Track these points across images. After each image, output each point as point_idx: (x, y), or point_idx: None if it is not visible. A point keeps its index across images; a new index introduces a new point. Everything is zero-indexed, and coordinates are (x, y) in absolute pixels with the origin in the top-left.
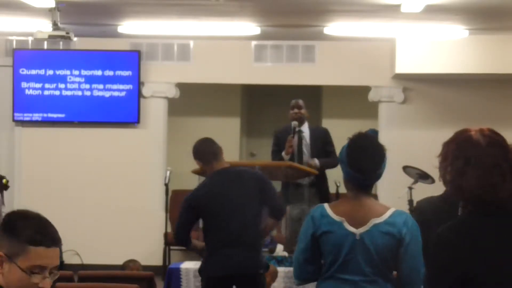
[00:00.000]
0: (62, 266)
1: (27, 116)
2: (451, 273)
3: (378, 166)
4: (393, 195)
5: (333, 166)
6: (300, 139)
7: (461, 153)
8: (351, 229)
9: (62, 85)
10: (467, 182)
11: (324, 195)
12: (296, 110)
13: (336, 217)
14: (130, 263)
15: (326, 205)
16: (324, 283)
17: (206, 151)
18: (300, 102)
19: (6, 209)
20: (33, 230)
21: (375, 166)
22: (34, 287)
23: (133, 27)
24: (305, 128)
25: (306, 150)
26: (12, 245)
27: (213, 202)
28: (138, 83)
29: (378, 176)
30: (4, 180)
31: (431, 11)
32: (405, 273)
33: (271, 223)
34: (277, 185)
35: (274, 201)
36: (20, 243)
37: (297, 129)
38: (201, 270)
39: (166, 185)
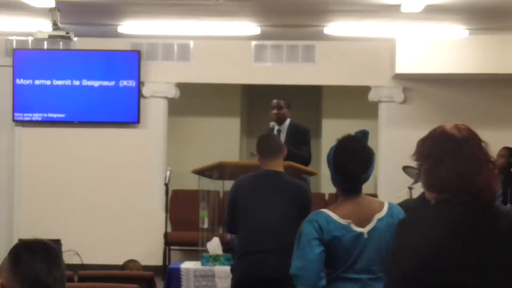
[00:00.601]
0: None
1: (27, 116)
2: (406, 262)
3: (364, 170)
4: (393, 195)
5: (299, 159)
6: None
7: (438, 145)
8: (359, 229)
9: (62, 85)
10: (445, 171)
11: None
12: (275, 111)
13: (342, 221)
14: (130, 263)
15: (327, 211)
16: (330, 284)
17: (267, 144)
18: (281, 102)
19: None
20: (32, 277)
21: (362, 170)
22: None
23: (133, 27)
24: (285, 127)
25: None
26: (11, 280)
27: (248, 197)
28: (138, 83)
29: (364, 179)
30: None
31: (431, 11)
32: None
33: None
34: None
35: None
36: (16, 283)
37: (276, 128)
38: (232, 270)
39: (166, 185)
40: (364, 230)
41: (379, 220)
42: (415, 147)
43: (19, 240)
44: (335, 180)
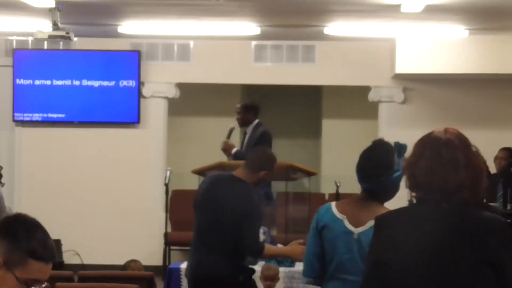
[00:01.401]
0: (62, 266)
1: (27, 116)
2: (372, 257)
3: (379, 175)
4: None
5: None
6: (243, 141)
7: (420, 146)
8: (350, 227)
9: (62, 85)
10: (419, 169)
11: None
12: (236, 116)
13: (338, 214)
14: (132, 263)
15: (332, 203)
16: (324, 283)
17: (251, 155)
18: (238, 105)
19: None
20: (37, 243)
21: (377, 174)
22: None
23: (133, 27)
24: (249, 130)
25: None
26: (12, 254)
27: (204, 196)
28: (138, 83)
29: (382, 184)
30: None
31: (431, 11)
32: None
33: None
34: (280, 186)
35: (248, 236)
36: (21, 254)
37: (233, 130)
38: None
39: (166, 185)
40: (356, 230)
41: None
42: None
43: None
44: (358, 180)
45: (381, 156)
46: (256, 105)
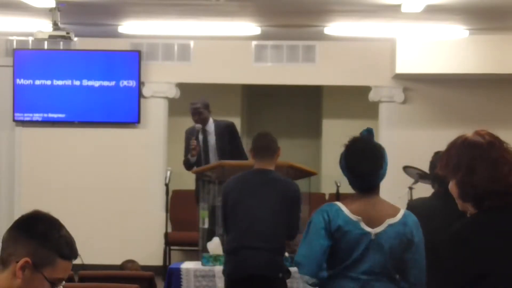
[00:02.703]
0: None
1: (27, 116)
2: (466, 272)
3: (379, 167)
4: (393, 195)
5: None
6: (206, 139)
7: (464, 154)
8: (367, 229)
9: (62, 85)
10: (478, 177)
11: None
12: (196, 118)
13: (352, 216)
14: (129, 264)
15: (340, 204)
16: (332, 280)
17: (258, 144)
18: (199, 107)
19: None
20: (65, 243)
21: (375, 167)
22: None
23: (134, 27)
24: (210, 127)
25: (211, 150)
26: (41, 254)
27: (237, 196)
28: (138, 83)
29: (381, 175)
30: None
31: (431, 11)
32: (414, 273)
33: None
34: None
35: (295, 220)
36: (51, 254)
37: (200, 129)
38: (223, 270)
39: (166, 185)
40: (373, 231)
41: (390, 225)
42: (440, 160)
43: (17, 221)
44: (352, 184)
45: (374, 151)
46: (208, 101)
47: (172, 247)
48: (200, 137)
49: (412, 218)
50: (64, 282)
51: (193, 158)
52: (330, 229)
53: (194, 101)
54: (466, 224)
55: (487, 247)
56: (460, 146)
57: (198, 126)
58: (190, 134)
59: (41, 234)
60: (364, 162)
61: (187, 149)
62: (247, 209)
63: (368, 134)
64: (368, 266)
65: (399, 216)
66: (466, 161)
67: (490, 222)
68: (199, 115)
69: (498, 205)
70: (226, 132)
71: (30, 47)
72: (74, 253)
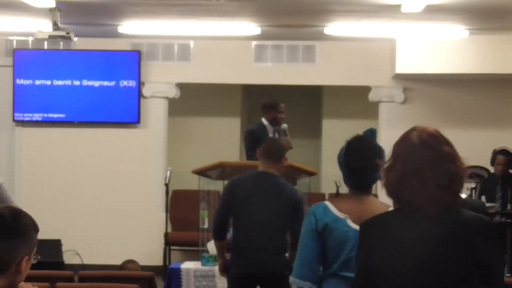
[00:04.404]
0: (62, 266)
1: (27, 116)
2: (362, 265)
3: (374, 169)
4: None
5: None
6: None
7: (394, 150)
8: (354, 226)
9: (62, 85)
10: (389, 180)
11: None
12: (281, 115)
13: (339, 214)
14: (129, 264)
15: (327, 202)
16: (326, 281)
17: (268, 148)
18: (282, 105)
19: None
20: (33, 225)
21: (371, 169)
22: None
23: (133, 27)
24: (282, 130)
25: None
26: (30, 245)
27: (243, 196)
28: (138, 83)
29: (376, 177)
30: None
31: (431, 11)
32: None
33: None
34: None
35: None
36: (33, 243)
37: (272, 130)
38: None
39: (166, 185)
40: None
41: None
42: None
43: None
44: (347, 180)
45: (374, 151)
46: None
47: (172, 247)
48: (272, 136)
49: None
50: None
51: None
52: (317, 230)
53: (274, 99)
54: (371, 220)
55: (377, 244)
56: (398, 140)
57: (284, 125)
58: (261, 131)
59: (24, 232)
60: (362, 160)
61: (253, 146)
62: (253, 209)
63: (371, 134)
64: None
65: None
66: (391, 160)
67: (389, 221)
68: (283, 114)
69: (402, 208)
70: (283, 133)
71: (30, 47)
72: (38, 228)
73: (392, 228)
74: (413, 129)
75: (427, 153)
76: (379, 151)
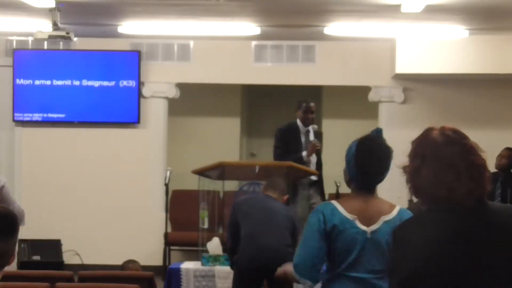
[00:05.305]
0: (62, 266)
1: (27, 116)
2: (402, 270)
3: (385, 170)
4: (393, 195)
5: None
6: (308, 139)
7: (418, 151)
8: (363, 227)
9: (62, 85)
10: (421, 181)
11: (323, 192)
12: (311, 115)
13: (348, 215)
14: (130, 264)
15: (335, 203)
16: (333, 282)
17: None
18: (311, 104)
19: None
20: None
21: (382, 169)
22: None
23: (133, 27)
24: (311, 128)
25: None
26: (15, 241)
27: (248, 208)
28: (138, 83)
29: (382, 178)
30: None
31: (431, 11)
32: None
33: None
34: None
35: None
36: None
37: (305, 129)
38: (232, 264)
39: (166, 185)
40: (368, 229)
41: (385, 222)
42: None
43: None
44: (355, 180)
45: (385, 152)
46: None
47: (172, 247)
48: (302, 137)
49: (408, 213)
50: None
51: (308, 158)
52: (325, 230)
53: (304, 100)
54: (405, 223)
55: (423, 246)
56: (419, 141)
57: (315, 126)
58: (289, 132)
59: (13, 230)
60: (374, 161)
61: (281, 146)
62: (259, 212)
63: (378, 134)
64: (368, 264)
65: (394, 212)
66: (417, 161)
67: (428, 220)
68: (313, 114)
69: (438, 207)
70: (316, 135)
71: (30, 47)
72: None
73: (430, 228)
74: (431, 129)
75: (454, 149)
76: (390, 152)
